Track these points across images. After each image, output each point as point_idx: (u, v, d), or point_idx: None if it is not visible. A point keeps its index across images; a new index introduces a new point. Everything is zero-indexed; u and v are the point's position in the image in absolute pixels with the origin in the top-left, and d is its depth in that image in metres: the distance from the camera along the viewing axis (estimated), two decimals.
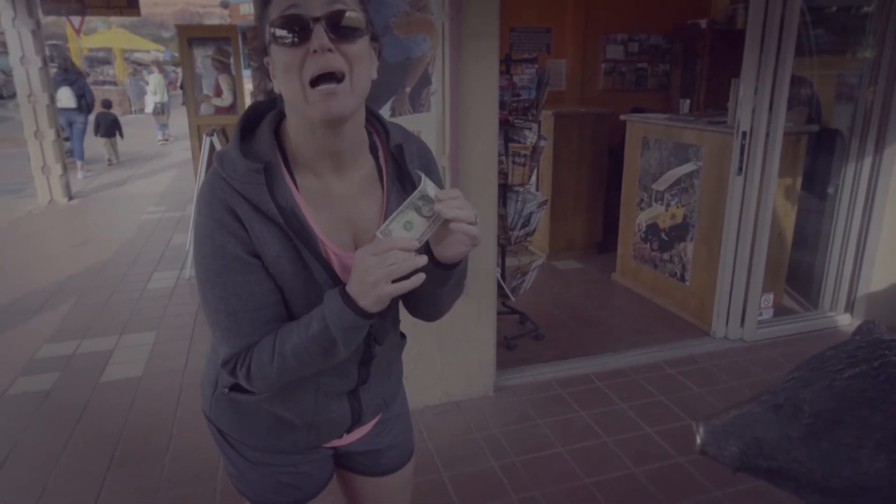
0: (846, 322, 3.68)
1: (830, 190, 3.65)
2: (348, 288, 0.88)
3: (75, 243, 5.64)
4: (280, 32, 0.86)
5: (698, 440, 0.92)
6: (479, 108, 2.57)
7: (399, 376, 1.26)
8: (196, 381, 1.95)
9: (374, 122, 1.03)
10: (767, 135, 3.08)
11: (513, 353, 3.34)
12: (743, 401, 0.92)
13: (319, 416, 1.08)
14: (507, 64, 3.15)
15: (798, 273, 3.84)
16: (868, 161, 3.42)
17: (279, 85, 0.90)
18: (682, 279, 3.78)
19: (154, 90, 11.82)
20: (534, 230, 3.47)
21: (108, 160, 9.69)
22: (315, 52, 0.84)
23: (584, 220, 4.96)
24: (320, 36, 0.84)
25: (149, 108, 12.56)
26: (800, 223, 3.66)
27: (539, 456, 2.47)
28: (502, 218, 3.23)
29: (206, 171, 4.69)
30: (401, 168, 1.01)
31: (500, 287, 3.21)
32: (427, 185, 0.85)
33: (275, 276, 0.93)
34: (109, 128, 9.43)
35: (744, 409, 0.90)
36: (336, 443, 1.18)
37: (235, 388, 1.05)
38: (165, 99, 11.96)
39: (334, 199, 0.96)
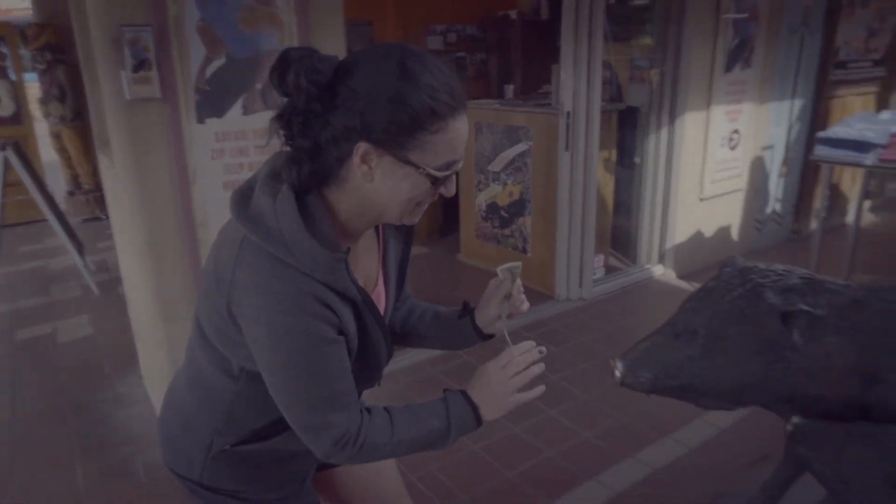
0: (660, 272, 4.27)
1: (637, 160, 4.19)
2: (472, 395, 1.02)
3: None
4: (435, 174, 0.89)
5: (617, 374, 1.07)
6: None
7: None
8: None
9: None
10: (587, 113, 3.46)
11: None
12: (648, 334, 1.09)
13: None
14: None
15: (619, 235, 4.37)
16: (664, 133, 3.98)
17: (380, 189, 0.90)
18: (524, 251, 4.10)
19: None
20: None
21: None
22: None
23: None
24: (454, 185, 0.94)
25: None
26: (617, 191, 4.17)
27: None
28: None
29: (3, 190, 4.09)
30: None
31: None
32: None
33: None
34: None
35: (651, 341, 1.07)
36: None
37: (243, 441, 1.05)
38: None
39: (357, 258, 1.02)
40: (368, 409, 1.01)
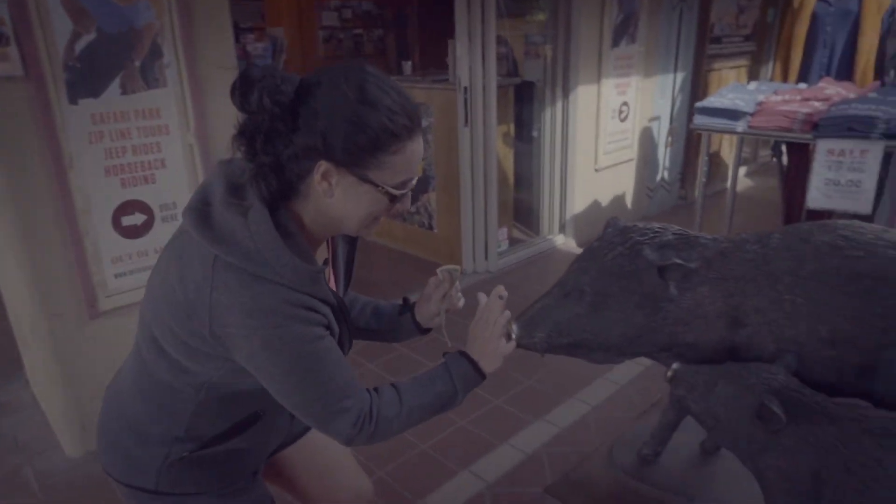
0: (561, 241, 4.44)
1: (535, 133, 4.31)
2: (470, 352, 1.10)
3: None
4: (393, 192, 0.93)
5: (513, 335, 1.12)
6: (221, 79, 2.46)
7: None
8: None
9: None
10: (484, 88, 3.51)
11: None
12: (540, 297, 1.14)
13: (270, 436, 1.19)
14: (236, 33, 3.04)
15: (521, 207, 4.49)
16: (559, 106, 4.11)
17: (339, 205, 0.94)
18: (430, 227, 4.14)
19: None
20: None
21: None
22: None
23: None
24: (409, 201, 1.00)
25: None
26: (517, 165, 4.27)
27: None
28: None
29: None
30: None
31: None
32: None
33: None
34: None
35: (542, 302, 1.12)
36: None
37: (203, 446, 1.06)
38: None
39: None
40: (375, 389, 1.05)
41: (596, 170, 4.40)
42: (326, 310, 0.97)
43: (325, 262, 0.97)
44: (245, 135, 0.91)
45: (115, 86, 2.15)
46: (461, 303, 1.26)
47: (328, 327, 0.97)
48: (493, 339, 1.10)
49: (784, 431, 0.94)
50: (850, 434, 0.91)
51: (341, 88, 0.89)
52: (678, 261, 1.04)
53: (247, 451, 1.14)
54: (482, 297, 1.18)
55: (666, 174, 5.15)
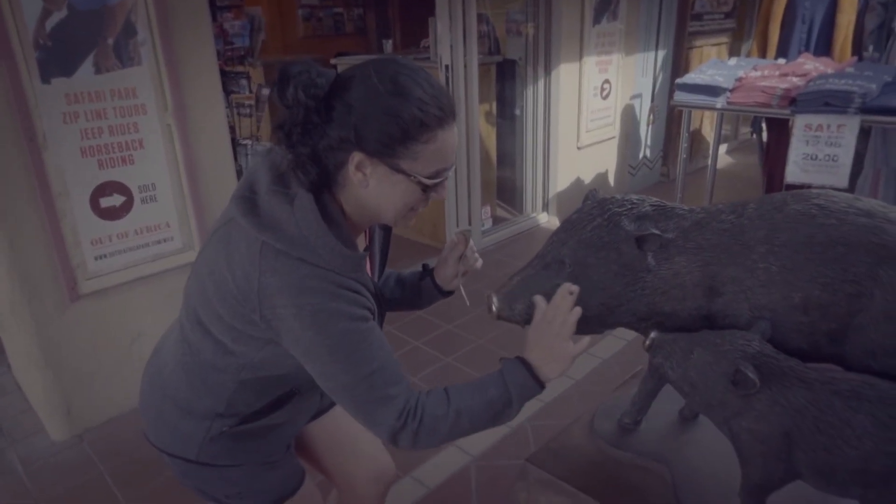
0: (545, 219, 4.46)
1: (517, 112, 4.30)
2: (528, 357, 1.03)
3: None
4: (426, 181, 0.95)
5: (494, 308, 1.13)
6: (197, 57, 2.43)
7: None
8: None
9: None
10: (465, 66, 3.49)
11: None
12: (519, 269, 1.15)
13: (303, 412, 1.25)
14: (213, 11, 2.98)
15: (504, 186, 4.50)
16: (541, 84, 4.10)
17: (375, 195, 0.96)
18: None
19: None
20: None
21: None
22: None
23: None
24: (445, 190, 1.01)
25: None
26: (500, 143, 4.27)
27: None
28: (239, 173, 3.13)
29: None
30: None
31: None
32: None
33: None
34: None
35: (522, 275, 1.13)
36: None
37: (242, 422, 1.11)
38: None
39: None
40: (424, 391, 1.04)
41: (578, 148, 4.41)
42: (368, 295, 0.99)
43: (366, 250, 1.00)
44: (283, 128, 0.94)
45: (88, 64, 2.11)
46: (479, 263, 1.27)
47: (372, 311, 0.99)
48: (560, 339, 1.02)
49: (757, 396, 0.96)
50: (821, 396, 0.93)
51: (373, 80, 0.91)
52: (655, 231, 1.05)
53: (282, 427, 1.19)
54: (539, 299, 1.07)
55: (648, 152, 5.18)
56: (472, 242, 1.26)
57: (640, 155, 5.11)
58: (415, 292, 1.33)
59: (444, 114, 0.94)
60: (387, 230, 1.23)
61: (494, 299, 1.12)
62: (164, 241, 2.46)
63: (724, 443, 1.06)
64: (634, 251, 1.06)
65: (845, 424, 0.90)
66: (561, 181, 4.38)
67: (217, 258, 0.99)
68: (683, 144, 3.63)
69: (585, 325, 1.14)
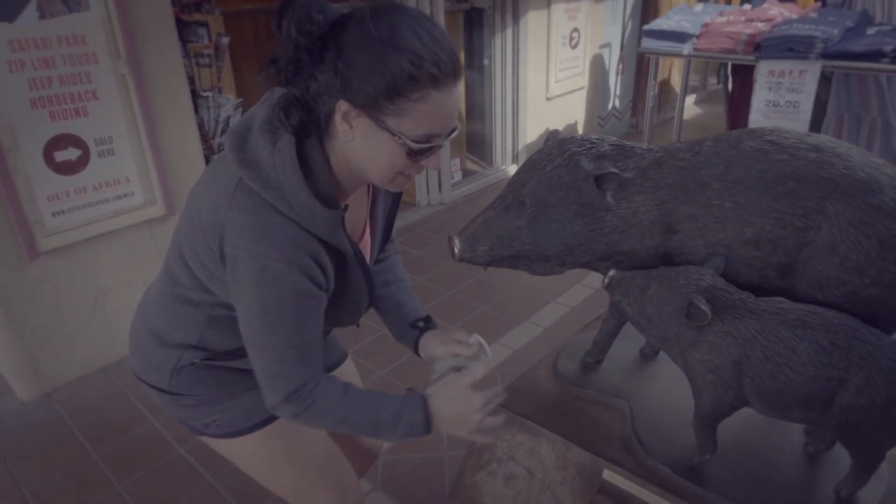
0: (514, 171, 4.46)
1: (485, 62, 4.24)
2: (432, 405, 1.03)
3: None
4: (412, 144, 0.87)
5: (455, 251, 1.13)
6: (149, 2, 2.32)
7: None
8: None
9: None
10: (431, 14, 3.41)
11: None
12: (481, 211, 1.15)
13: None
14: None
15: (474, 139, 4.47)
16: (509, 33, 4.04)
17: (360, 151, 0.91)
18: None
19: None
20: None
21: None
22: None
23: None
24: (437, 160, 0.94)
25: None
26: (469, 95, 4.22)
27: None
28: (200, 127, 3.04)
29: None
30: None
31: None
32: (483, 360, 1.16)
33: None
34: None
35: (483, 216, 1.14)
36: None
37: (211, 358, 1.10)
38: None
39: (348, 208, 1.01)
40: (329, 377, 1.03)
41: (548, 98, 4.38)
42: (331, 261, 0.95)
43: (345, 208, 0.93)
44: (276, 63, 0.88)
45: (31, 9, 2.01)
46: (468, 379, 1.11)
47: (322, 287, 0.95)
48: (465, 420, 1.05)
49: (710, 327, 0.99)
50: (769, 327, 0.97)
51: (367, 24, 0.83)
52: (614, 170, 1.06)
53: (250, 370, 1.16)
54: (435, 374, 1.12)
55: (617, 102, 5.17)
56: (477, 370, 1.12)
57: (610, 105, 5.10)
58: (398, 326, 1.28)
59: (440, 73, 0.84)
60: (395, 196, 1.16)
61: (456, 241, 1.13)
62: (124, 196, 2.40)
63: (681, 378, 1.10)
64: (594, 190, 1.07)
65: (791, 352, 0.94)
66: (530, 133, 4.36)
67: (201, 190, 0.98)
68: (651, 93, 3.63)
69: (545, 265, 1.16)
